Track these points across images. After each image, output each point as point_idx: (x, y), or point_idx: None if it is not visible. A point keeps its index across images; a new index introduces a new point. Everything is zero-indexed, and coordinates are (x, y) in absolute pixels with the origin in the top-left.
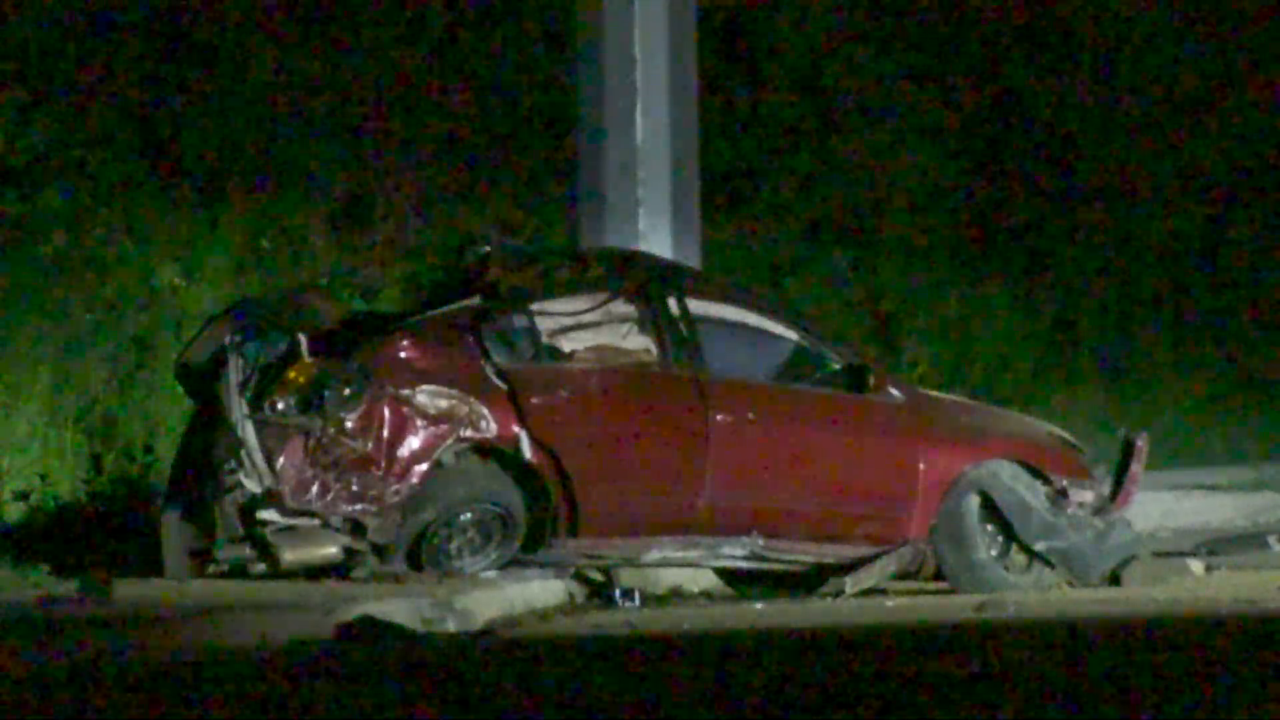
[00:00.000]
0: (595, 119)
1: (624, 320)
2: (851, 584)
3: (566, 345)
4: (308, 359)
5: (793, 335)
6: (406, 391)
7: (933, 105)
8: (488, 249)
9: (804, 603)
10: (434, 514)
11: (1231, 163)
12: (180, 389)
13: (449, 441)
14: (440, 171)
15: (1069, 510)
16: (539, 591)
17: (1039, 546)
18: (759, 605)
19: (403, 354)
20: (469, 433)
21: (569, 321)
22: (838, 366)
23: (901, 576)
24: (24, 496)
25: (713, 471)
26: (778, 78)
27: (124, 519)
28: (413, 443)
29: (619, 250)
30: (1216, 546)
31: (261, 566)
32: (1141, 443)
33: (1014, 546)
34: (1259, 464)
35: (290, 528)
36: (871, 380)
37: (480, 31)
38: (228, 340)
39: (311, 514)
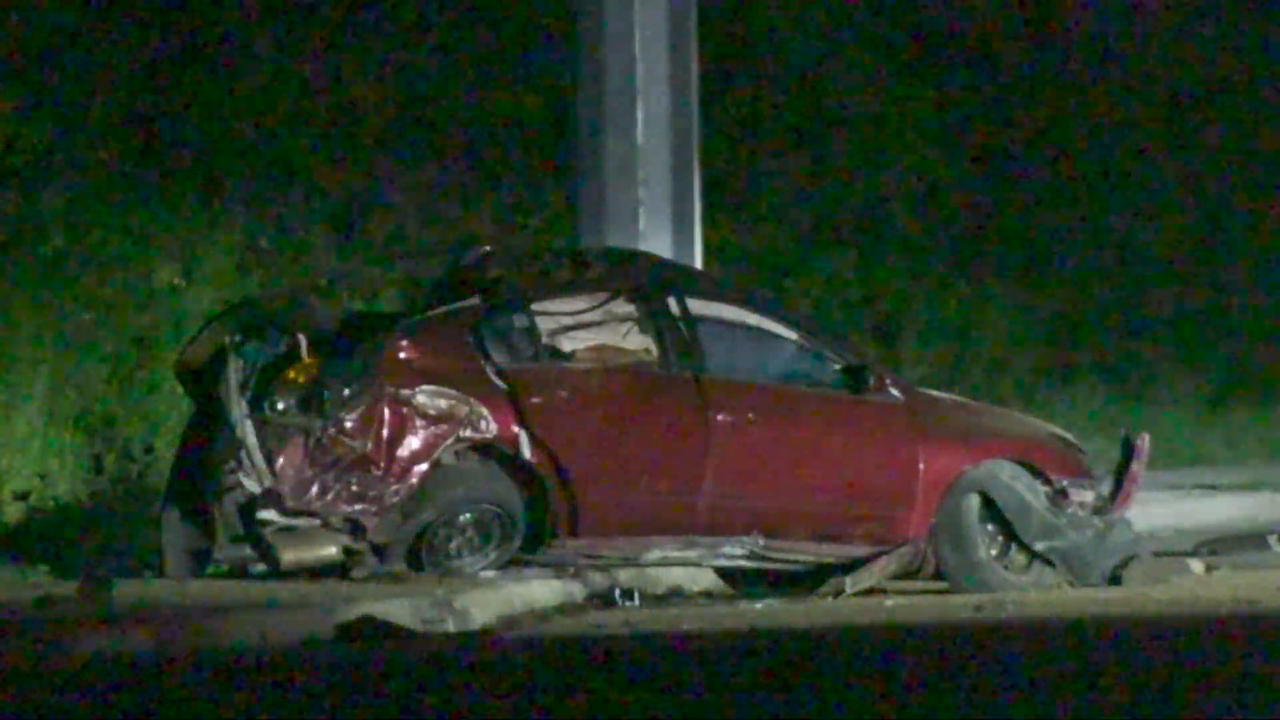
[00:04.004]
0: (595, 119)
1: (624, 320)
2: (851, 584)
3: (566, 345)
4: (308, 359)
5: (793, 335)
6: (406, 391)
7: (932, 105)
8: (488, 249)
9: (804, 603)
10: (434, 514)
11: (1232, 162)
12: (180, 389)
13: (449, 441)
14: (440, 171)
15: (1069, 510)
16: (539, 591)
17: (1039, 546)
18: (759, 605)
19: (403, 354)
20: (469, 433)
21: (569, 321)
22: (838, 366)
23: (901, 576)
24: (24, 496)
25: (713, 471)
26: (778, 78)
27: (124, 519)
28: (412, 443)
29: (619, 250)
30: (1216, 546)
31: (261, 566)
32: (1141, 443)
33: (1014, 546)
34: (1259, 464)
35: (290, 528)
36: (871, 380)
37: (480, 31)
38: (228, 340)
39: (311, 514)
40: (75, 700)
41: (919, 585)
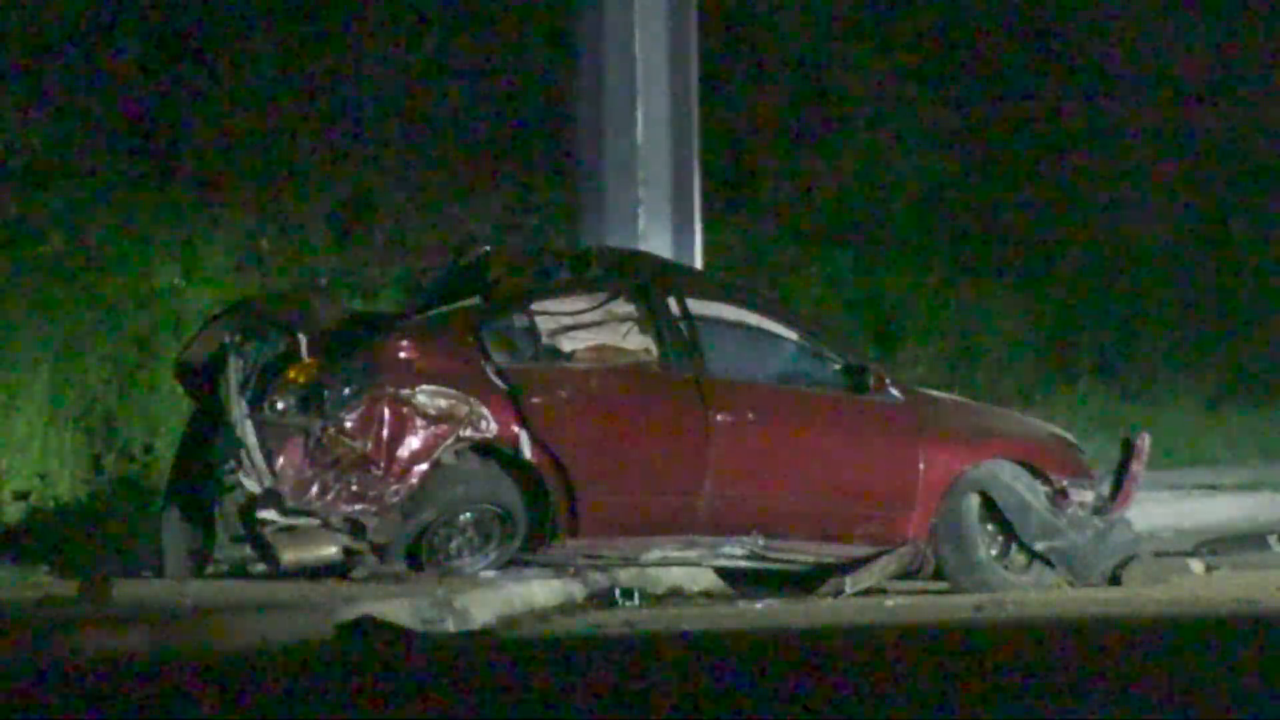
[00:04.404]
0: (595, 119)
1: (624, 320)
2: (851, 584)
3: (566, 345)
4: (308, 359)
5: (793, 335)
6: (406, 391)
7: (933, 105)
8: (488, 249)
9: (804, 603)
10: (434, 514)
11: (1232, 162)
12: (180, 389)
13: (449, 441)
14: (440, 171)
15: (1069, 510)
16: (539, 591)
17: (1039, 546)
18: (759, 605)
19: (403, 354)
20: (469, 433)
21: (569, 321)
22: (838, 367)
23: (901, 576)
24: (24, 496)
25: (713, 471)
26: (778, 78)
27: (124, 519)
28: (413, 443)
29: (619, 250)
30: (1216, 546)
31: (261, 566)
32: (1141, 443)
33: (1014, 546)
34: (1259, 464)
35: (290, 528)
36: (871, 380)
37: (480, 31)
38: (228, 340)
39: (311, 514)
40: (75, 700)
41: (919, 585)
